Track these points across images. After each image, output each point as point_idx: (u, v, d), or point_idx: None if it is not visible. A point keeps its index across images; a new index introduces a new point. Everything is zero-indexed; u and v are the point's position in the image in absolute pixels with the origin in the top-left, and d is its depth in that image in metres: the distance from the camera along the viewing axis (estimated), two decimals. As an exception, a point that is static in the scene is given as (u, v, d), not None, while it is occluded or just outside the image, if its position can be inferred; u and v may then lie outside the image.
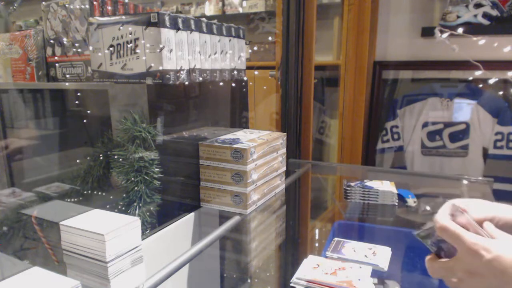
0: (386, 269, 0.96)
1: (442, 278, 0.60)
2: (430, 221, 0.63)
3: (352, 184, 1.29)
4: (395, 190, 1.25)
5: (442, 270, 0.60)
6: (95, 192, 0.93)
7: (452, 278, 0.58)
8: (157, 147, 0.85)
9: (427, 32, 1.94)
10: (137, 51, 0.86)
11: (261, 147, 1.00)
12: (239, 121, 1.25)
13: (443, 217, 0.59)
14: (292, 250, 1.27)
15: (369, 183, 1.31)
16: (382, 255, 1.00)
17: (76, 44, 1.04)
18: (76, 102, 1.12)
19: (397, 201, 1.24)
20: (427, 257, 0.63)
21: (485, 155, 1.94)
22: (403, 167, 2.08)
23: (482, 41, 1.88)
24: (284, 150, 1.16)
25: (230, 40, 1.12)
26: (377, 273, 0.95)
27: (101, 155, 0.92)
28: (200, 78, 1.00)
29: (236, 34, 1.15)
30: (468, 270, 0.55)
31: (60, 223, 0.65)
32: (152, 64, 0.86)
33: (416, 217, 1.25)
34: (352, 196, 1.28)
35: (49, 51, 1.09)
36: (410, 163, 2.08)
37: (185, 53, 0.93)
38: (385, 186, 1.28)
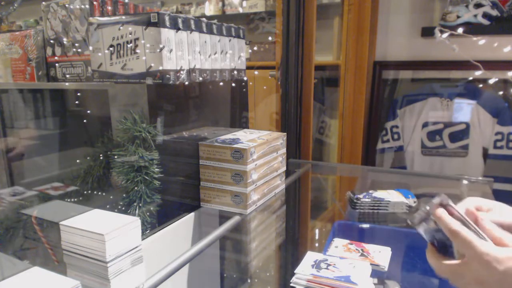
0: (386, 269, 0.96)
1: (448, 279, 0.60)
2: (422, 207, 0.62)
3: (360, 196, 1.28)
4: (405, 200, 1.24)
5: (449, 272, 0.59)
6: (95, 192, 0.93)
7: (460, 281, 0.57)
8: (157, 147, 0.85)
9: (427, 32, 1.94)
10: (137, 51, 0.86)
11: (261, 147, 1.00)
12: (239, 121, 1.25)
13: (452, 220, 0.58)
14: (292, 250, 1.27)
15: (376, 194, 1.29)
16: (382, 255, 1.00)
17: (76, 44, 1.04)
18: (76, 102, 1.12)
19: (407, 210, 1.23)
20: (427, 251, 0.63)
21: (485, 155, 1.94)
22: (403, 167, 2.08)
23: (482, 41, 1.88)
24: (284, 150, 1.16)
25: (230, 40, 1.12)
26: (377, 273, 0.95)
27: (101, 155, 0.92)
28: (200, 78, 1.00)
29: (236, 34, 1.15)
30: (477, 278, 0.55)
31: (60, 223, 0.65)
32: (152, 64, 0.86)
33: (416, 217, 1.24)
34: (361, 207, 1.26)
35: (49, 51, 1.09)
36: (410, 163, 2.08)
37: (185, 53, 0.93)
38: (393, 196, 1.26)
